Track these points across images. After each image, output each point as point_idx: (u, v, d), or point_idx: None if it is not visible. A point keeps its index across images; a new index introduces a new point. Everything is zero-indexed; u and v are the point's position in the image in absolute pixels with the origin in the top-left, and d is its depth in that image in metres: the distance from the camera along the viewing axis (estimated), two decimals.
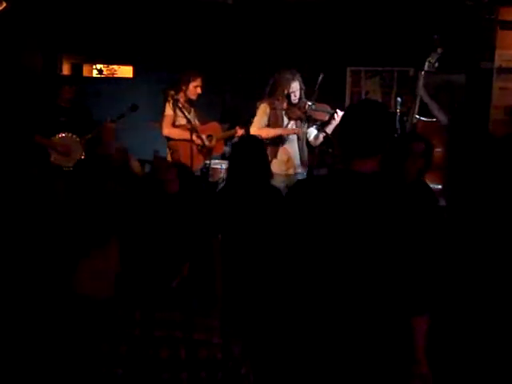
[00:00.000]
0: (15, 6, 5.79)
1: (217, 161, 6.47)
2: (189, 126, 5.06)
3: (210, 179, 6.28)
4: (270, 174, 3.61)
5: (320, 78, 4.76)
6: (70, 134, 5.40)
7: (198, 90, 5.20)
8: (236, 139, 5.17)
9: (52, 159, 5.29)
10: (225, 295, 3.12)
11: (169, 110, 5.12)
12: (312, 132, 5.08)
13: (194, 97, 5.22)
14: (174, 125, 5.16)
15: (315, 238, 1.95)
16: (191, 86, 5.16)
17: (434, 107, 5.01)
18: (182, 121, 5.16)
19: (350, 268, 1.91)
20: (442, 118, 5.00)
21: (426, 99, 4.94)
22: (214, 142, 5.38)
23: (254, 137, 4.11)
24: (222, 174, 6.29)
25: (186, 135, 5.08)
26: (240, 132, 5.65)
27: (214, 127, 5.50)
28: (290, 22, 6.71)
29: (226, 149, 6.81)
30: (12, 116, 5.50)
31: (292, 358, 1.99)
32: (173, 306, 1.50)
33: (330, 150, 5.38)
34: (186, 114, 5.13)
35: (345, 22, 6.73)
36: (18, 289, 2.47)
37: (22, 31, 6.36)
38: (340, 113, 4.88)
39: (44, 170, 5.13)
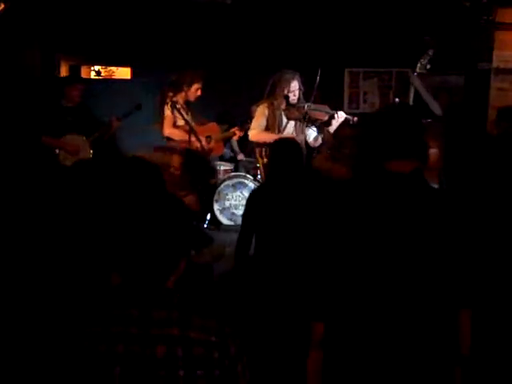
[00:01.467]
0: (14, 8, 5.79)
1: (216, 162, 6.48)
2: (187, 128, 4.94)
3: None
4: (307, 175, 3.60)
5: (318, 74, 4.74)
6: (77, 135, 5.37)
7: (199, 93, 5.08)
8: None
9: (61, 159, 5.29)
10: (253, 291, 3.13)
11: (168, 111, 4.97)
12: (311, 134, 5.08)
13: (193, 99, 5.11)
14: (174, 125, 5.04)
15: (360, 240, 1.98)
16: (193, 88, 5.04)
17: (429, 100, 5.00)
18: (180, 122, 5.01)
19: (397, 265, 1.94)
20: (437, 110, 5.01)
21: (423, 93, 4.93)
22: (212, 144, 5.37)
23: (291, 138, 4.10)
24: (221, 175, 6.32)
25: (186, 136, 4.97)
26: (238, 133, 5.66)
27: (213, 128, 5.49)
28: (289, 22, 6.72)
29: (226, 150, 6.84)
30: (10, 118, 5.49)
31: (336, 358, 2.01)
32: (170, 304, 1.50)
33: (329, 152, 5.38)
34: (185, 115, 4.99)
35: (343, 23, 6.74)
36: (17, 289, 2.47)
37: (21, 33, 6.36)
38: (340, 113, 4.87)
39: (51, 170, 5.16)
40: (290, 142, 3.69)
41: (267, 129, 4.97)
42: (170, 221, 1.49)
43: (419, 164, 2.03)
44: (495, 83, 6.25)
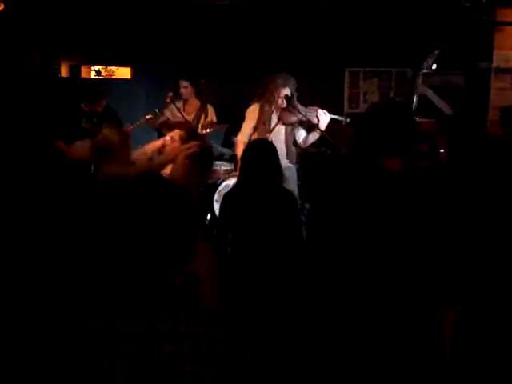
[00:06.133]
0: (13, 8, 5.79)
1: (216, 162, 6.48)
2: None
3: (209, 180, 6.29)
4: (282, 177, 3.58)
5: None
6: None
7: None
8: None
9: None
10: (230, 293, 3.14)
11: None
12: (301, 134, 5.04)
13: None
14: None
15: (352, 235, 1.99)
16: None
17: (437, 101, 5.03)
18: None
19: (384, 263, 1.95)
20: (447, 109, 5.02)
21: (430, 94, 4.96)
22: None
23: (266, 140, 4.10)
24: (222, 175, 6.31)
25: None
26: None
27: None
28: (288, 23, 6.73)
29: (226, 150, 6.84)
30: (9, 118, 5.48)
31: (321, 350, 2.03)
32: (176, 304, 1.49)
33: (329, 152, 5.37)
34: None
35: (343, 23, 6.75)
36: (22, 285, 2.47)
37: (20, 33, 6.35)
38: (320, 111, 4.84)
39: (60, 171, 5.14)
40: (263, 143, 3.70)
41: (255, 130, 4.95)
42: (179, 220, 1.49)
43: (408, 161, 2.04)
44: (495, 83, 6.25)
